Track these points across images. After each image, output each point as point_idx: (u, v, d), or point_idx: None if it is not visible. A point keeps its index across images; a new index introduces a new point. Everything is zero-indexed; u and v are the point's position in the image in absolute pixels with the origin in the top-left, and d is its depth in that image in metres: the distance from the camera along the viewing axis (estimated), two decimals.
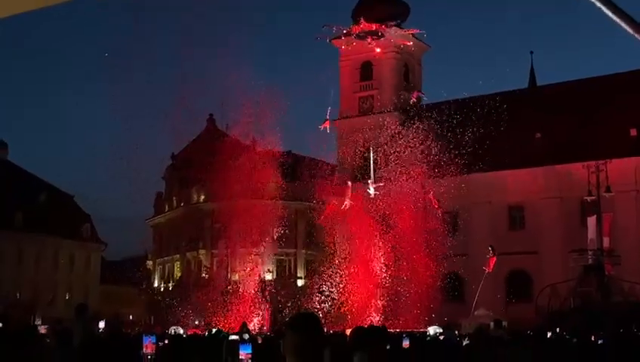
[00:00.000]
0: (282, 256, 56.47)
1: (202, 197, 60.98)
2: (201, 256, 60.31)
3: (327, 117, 42.68)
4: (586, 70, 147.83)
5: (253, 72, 35.75)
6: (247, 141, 39.90)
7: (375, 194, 36.56)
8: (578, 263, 40.43)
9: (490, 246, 37.30)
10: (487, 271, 37.16)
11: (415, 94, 41.98)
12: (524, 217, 52.71)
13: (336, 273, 36.96)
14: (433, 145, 40.06)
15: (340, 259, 37.06)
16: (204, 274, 56.49)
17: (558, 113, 51.81)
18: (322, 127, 41.39)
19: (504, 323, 34.64)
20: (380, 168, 38.48)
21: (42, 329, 11.30)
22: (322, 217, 37.17)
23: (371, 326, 20.80)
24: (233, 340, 12.84)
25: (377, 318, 34.39)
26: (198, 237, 60.32)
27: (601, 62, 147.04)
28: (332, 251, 37.98)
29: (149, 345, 6.99)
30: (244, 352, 6.10)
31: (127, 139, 46.60)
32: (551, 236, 49.72)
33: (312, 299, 37.58)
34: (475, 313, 41.93)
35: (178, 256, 64.62)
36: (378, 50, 57.84)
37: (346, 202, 36.13)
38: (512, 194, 51.61)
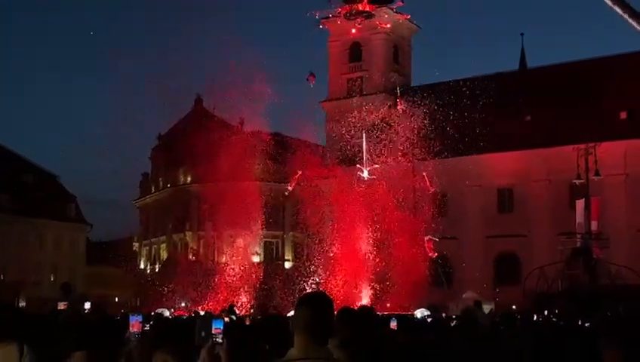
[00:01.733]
0: (269, 238, 56.58)
1: (189, 178, 60.93)
2: (187, 238, 60.38)
3: (312, 71, 41.25)
4: (576, 53, 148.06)
5: (242, 53, 35.39)
6: (234, 122, 39.78)
7: (368, 178, 36.53)
8: (566, 246, 40.73)
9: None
10: (431, 255, 36.96)
11: (310, 77, 41.15)
12: (513, 200, 53.01)
13: (323, 256, 36.99)
14: (422, 127, 40.04)
15: (326, 242, 37.04)
16: (190, 256, 56.57)
17: (548, 95, 51.88)
18: (309, 82, 40.25)
19: (492, 307, 34.90)
20: (369, 150, 38.40)
21: (62, 305, 11.24)
22: (291, 187, 37.00)
23: (360, 308, 20.91)
24: (207, 316, 12.89)
25: (365, 302, 34.51)
26: (185, 219, 60.33)
27: (592, 45, 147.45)
28: (318, 233, 37.95)
29: (135, 324, 7.05)
30: (216, 327, 6.21)
31: (113, 118, 46.35)
32: (540, 219, 50.07)
33: (299, 281, 37.69)
34: (463, 296, 42.22)
35: (164, 237, 64.66)
36: (370, 29, 57.66)
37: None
38: (502, 177, 51.85)
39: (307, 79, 39.92)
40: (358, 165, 36.91)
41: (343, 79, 62.43)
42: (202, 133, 38.42)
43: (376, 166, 36.47)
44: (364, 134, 37.15)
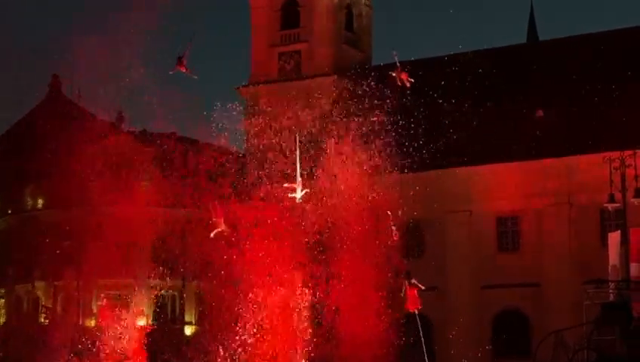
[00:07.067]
0: (162, 290, 56.35)
1: (40, 201, 60.39)
2: (38, 291, 59.77)
3: (185, 52, 37.46)
4: (611, 18, 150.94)
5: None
6: (110, 117, 39.73)
7: (303, 199, 36.60)
8: (595, 300, 41.49)
9: (406, 272, 37.18)
10: (411, 310, 37.42)
11: (402, 75, 38.74)
12: (519, 233, 53.65)
13: (240, 319, 36.97)
14: (388, 124, 40.48)
15: (248, 297, 37.05)
16: (42, 319, 56.00)
17: (569, 81, 52.72)
18: (175, 70, 37.33)
19: None
20: (312, 159, 38.59)
21: None
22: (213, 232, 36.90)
23: None
24: None
25: None
26: (34, 263, 59.62)
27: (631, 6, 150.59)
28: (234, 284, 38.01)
29: None
30: None
31: None
32: (557, 261, 50.76)
33: (205, 355, 37.73)
34: None
35: (1, 290, 63.83)
36: None
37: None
38: (503, 200, 52.52)
39: (177, 65, 36.40)
40: (285, 184, 36.60)
41: (271, 53, 62.73)
42: (60, 134, 38.29)
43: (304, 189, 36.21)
44: (297, 137, 37.19)
